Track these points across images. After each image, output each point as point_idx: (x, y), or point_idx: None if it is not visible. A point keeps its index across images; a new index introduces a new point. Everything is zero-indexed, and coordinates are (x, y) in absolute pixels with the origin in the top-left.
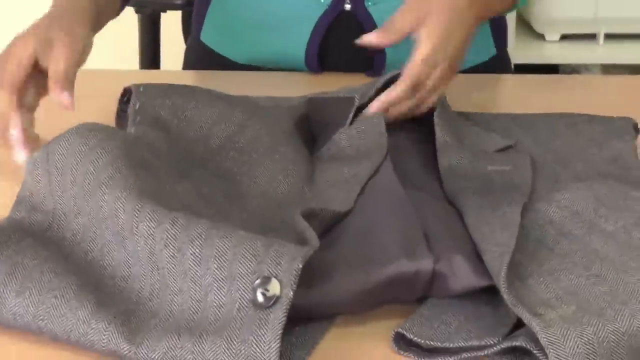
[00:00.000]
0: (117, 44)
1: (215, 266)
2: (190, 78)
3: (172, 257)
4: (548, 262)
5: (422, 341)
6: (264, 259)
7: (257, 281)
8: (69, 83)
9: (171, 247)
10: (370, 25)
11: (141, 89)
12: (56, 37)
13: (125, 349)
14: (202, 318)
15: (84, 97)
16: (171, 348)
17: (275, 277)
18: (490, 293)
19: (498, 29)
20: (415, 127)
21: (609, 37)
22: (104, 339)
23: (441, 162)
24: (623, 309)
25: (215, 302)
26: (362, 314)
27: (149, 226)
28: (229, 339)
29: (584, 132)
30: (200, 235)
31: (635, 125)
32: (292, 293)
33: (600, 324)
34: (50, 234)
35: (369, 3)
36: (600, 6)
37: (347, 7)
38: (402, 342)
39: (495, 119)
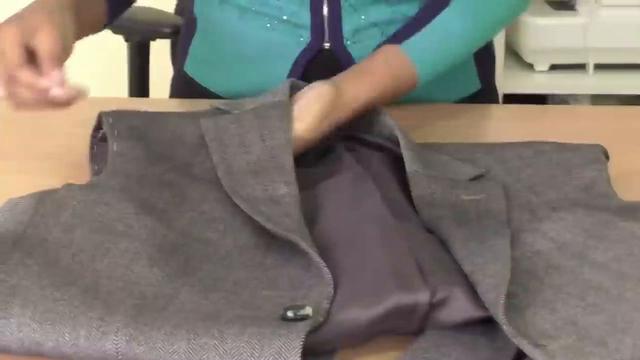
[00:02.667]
0: (106, 71)
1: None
2: (178, 106)
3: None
4: (542, 293)
5: None
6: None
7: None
8: (60, 62)
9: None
10: (349, 64)
11: (108, 113)
12: (39, 21)
13: (140, 348)
14: (222, 318)
15: (73, 124)
16: (189, 344)
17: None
18: (486, 324)
19: (483, 62)
20: (388, 156)
21: (599, 67)
22: (118, 337)
23: (414, 192)
24: (624, 338)
25: (238, 312)
26: (359, 346)
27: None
28: (251, 339)
29: (553, 160)
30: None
31: (605, 152)
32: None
33: (605, 354)
34: (33, 243)
35: (348, 42)
36: (590, 36)
37: (327, 45)
38: None
39: (464, 148)
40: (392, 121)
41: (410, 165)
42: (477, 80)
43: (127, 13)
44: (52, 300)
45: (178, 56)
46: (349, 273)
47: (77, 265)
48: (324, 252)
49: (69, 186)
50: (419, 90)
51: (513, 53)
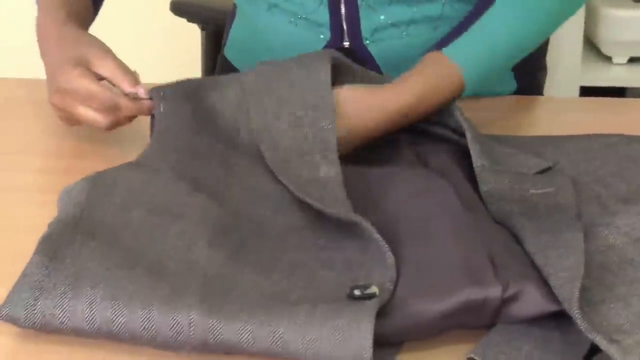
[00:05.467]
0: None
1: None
2: None
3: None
4: (616, 287)
5: None
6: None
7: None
8: (130, 75)
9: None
10: (370, 63)
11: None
12: (86, 52)
13: (212, 322)
14: (290, 297)
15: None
16: (263, 317)
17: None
18: (558, 318)
19: (520, 63)
20: (452, 148)
21: None
22: (192, 311)
23: (482, 187)
24: None
25: (302, 293)
26: (428, 339)
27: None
28: (324, 312)
29: (621, 152)
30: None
31: None
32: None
33: None
34: (97, 227)
35: (367, 41)
36: None
37: (346, 44)
38: None
39: (529, 141)
40: (459, 113)
41: (477, 159)
42: (513, 80)
43: (202, 2)
44: (120, 279)
45: (223, 40)
46: (416, 263)
47: (138, 246)
48: (389, 239)
49: (119, 167)
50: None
51: (591, 46)
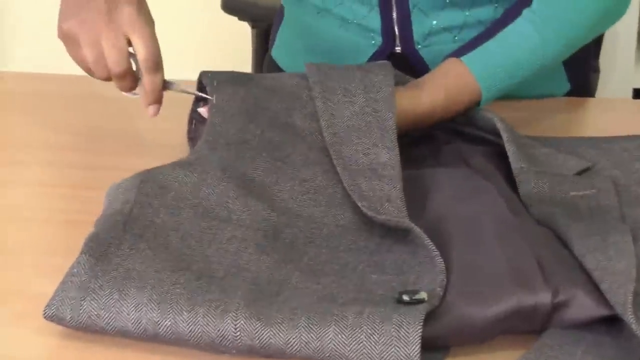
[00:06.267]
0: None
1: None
2: None
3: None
4: None
5: None
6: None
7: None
8: (156, 70)
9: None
10: (422, 67)
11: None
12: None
13: (258, 327)
14: (338, 300)
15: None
16: (310, 320)
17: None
18: (609, 322)
19: (573, 62)
20: (489, 150)
21: None
22: (238, 314)
23: (521, 190)
24: None
25: (352, 296)
26: (476, 344)
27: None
28: (371, 315)
29: None
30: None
31: None
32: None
33: None
34: (146, 231)
35: (419, 46)
36: None
37: (398, 49)
38: None
39: (566, 141)
40: (492, 114)
41: (515, 161)
42: (567, 81)
43: (253, 0)
44: (168, 284)
45: (270, 40)
46: (464, 267)
47: (187, 250)
48: (436, 242)
49: (169, 166)
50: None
51: None
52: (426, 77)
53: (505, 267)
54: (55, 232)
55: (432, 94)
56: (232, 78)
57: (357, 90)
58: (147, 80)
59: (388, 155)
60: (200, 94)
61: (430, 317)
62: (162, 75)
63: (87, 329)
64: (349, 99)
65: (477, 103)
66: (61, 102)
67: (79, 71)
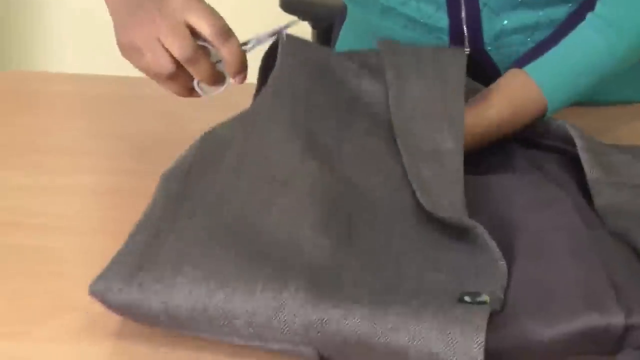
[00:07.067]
0: None
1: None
2: None
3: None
4: None
5: None
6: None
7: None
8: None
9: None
10: (492, 70)
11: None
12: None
13: (318, 303)
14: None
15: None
16: (371, 304)
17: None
18: None
19: None
20: (563, 159)
21: None
22: (297, 292)
23: (596, 201)
24: None
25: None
26: None
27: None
28: (435, 309)
29: None
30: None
31: None
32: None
33: None
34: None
35: (489, 47)
36: None
37: (466, 50)
38: None
39: None
40: (564, 122)
41: (590, 171)
42: None
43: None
44: (225, 261)
45: (332, 40)
46: (529, 280)
47: (242, 225)
48: (501, 250)
49: (231, 121)
50: (597, 92)
51: None
52: (491, 89)
53: (575, 284)
54: (88, 241)
55: (498, 108)
56: (301, 42)
57: (427, 72)
58: (225, 51)
59: (454, 144)
60: (273, 32)
61: (488, 328)
62: (237, 40)
63: (132, 308)
64: (420, 79)
65: (543, 114)
66: (109, 105)
67: (129, 72)
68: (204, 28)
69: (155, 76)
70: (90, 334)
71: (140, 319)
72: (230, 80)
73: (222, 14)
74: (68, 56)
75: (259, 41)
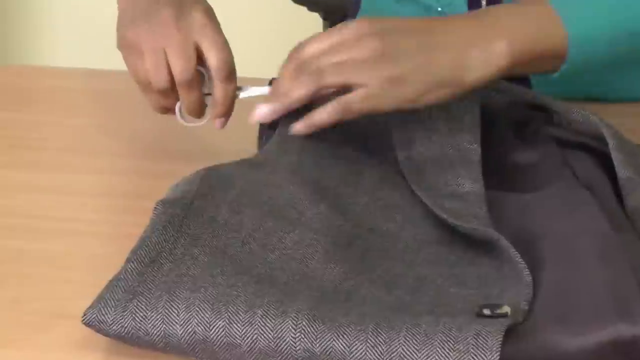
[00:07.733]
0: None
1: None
2: None
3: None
4: None
5: None
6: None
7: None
8: (229, 78)
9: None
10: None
11: None
12: (197, 20)
13: (321, 328)
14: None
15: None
16: (378, 325)
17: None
18: None
19: None
20: (595, 156)
21: None
22: (300, 316)
23: (627, 203)
24: None
25: (426, 308)
26: None
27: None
28: (447, 324)
29: None
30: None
31: None
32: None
33: None
34: (203, 233)
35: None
36: None
37: None
38: None
39: None
40: (597, 118)
41: (622, 170)
42: None
43: None
44: (224, 286)
45: None
46: (553, 290)
47: (248, 255)
48: (527, 259)
49: (235, 163)
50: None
51: None
52: (494, 9)
53: (603, 292)
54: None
55: (510, 31)
56: None
57: (437, 119)
58: (220, 90)
59: (472, 186)
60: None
61: (511, 338)
62: (235, 85)
63: (129, 336)
64: (428, 127)
65: (560, 61)
66: (111, 101)
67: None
68: (212, 59)
69: (144, 83)
70: (95, 342)
71: (141, 345)
72: (208, 117)
73: (232, 7)
74: (67, 51)
75: (253, 92)
